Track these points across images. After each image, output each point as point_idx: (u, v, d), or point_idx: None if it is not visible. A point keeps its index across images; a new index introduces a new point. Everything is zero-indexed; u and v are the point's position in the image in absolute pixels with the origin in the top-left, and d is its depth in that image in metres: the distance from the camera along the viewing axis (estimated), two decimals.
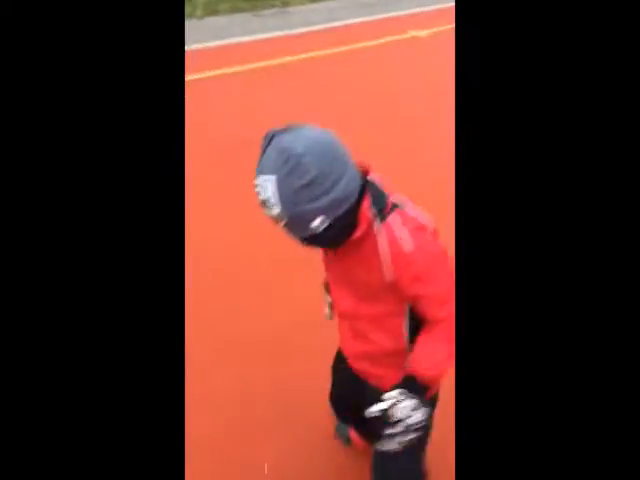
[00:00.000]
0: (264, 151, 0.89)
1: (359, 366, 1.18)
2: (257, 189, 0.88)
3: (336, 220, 0.89)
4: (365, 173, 0.95)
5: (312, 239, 0.92)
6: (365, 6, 6.92)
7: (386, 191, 0.96)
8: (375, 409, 0.98)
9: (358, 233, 0.93)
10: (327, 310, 1.25)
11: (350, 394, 1.25)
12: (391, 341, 1.06)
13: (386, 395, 0.98)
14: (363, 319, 1.06)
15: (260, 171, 0.88)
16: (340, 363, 1.27)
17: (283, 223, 0.89)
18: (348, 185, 0.88)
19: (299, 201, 0.85)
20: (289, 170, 0.83)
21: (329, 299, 1.22)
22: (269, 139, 0.88)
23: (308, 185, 0.84)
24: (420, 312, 1.00)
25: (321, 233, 0.89)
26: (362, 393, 1.16)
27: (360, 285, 1.02)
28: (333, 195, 0.86)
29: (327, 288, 1.21)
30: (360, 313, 1.06)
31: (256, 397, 1.78)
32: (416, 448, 1.11)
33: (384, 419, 0.98)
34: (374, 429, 1.05)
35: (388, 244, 0.92)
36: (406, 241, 0.92)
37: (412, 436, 1.00)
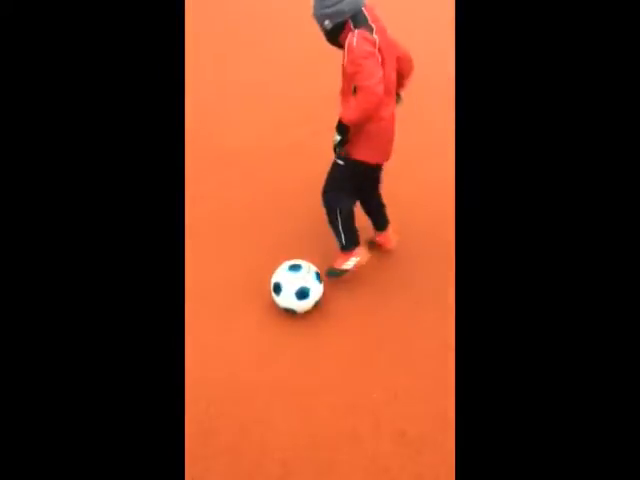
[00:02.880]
0: None
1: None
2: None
3: (335, 26, 1.85)
4: (363, 6, 1.87)
5: (327, 35, 1.91)
6: None
7: (370, 19, 1.86)
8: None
9: (342, 36, 1.87)
10: None
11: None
12: None
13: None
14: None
15: None
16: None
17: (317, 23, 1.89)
18: (346, 6, 1.82)
19: (318, 7, 1.86)
20: None
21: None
22: None
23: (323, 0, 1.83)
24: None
25: (329, 31, 1.88)
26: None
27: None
28: (334, 9, 1.82)
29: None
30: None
31: None
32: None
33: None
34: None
35: (347, 40, 1.84)
36: (351, 40, 1.83)
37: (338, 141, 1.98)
